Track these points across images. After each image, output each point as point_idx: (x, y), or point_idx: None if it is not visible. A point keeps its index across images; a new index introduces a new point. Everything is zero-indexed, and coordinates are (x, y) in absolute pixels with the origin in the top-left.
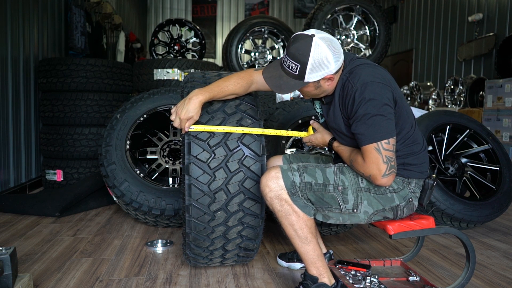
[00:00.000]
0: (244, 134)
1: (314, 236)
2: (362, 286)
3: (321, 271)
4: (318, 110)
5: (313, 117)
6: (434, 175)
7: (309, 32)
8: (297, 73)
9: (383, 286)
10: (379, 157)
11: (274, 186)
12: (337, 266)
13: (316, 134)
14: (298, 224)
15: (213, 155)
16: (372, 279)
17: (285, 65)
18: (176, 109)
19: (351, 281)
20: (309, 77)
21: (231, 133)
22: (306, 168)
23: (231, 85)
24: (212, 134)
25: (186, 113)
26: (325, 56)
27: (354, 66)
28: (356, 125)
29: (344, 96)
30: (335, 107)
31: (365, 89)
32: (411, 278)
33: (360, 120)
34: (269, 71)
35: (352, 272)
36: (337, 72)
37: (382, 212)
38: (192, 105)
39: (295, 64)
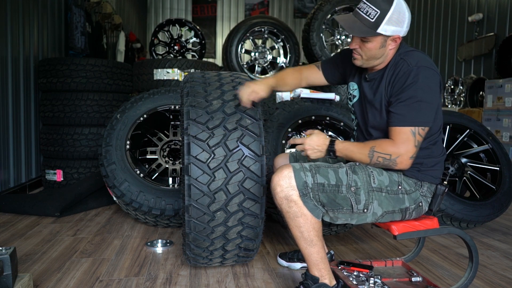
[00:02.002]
0: (243, 134)
1: (320, 239)
2: (365, 287)
3: (323, 273)
4: (351, 91)
5: (313, 117)
6: (445, 182)
7: None
8: (373, 20)
9: (386, 287)
10: (412, 140)
11: (286, 185)
12: (340, 267)
13: (312, 136)
14: (305, 227)
15: (212, 155)
16: (375, 280)
17: (362, 11)
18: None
19: (354, 282)
20: (383, 28)
21: (231, 133)
22: (319, 169)
23: (289, 77)
24: (211, 134)
25: (255, 88)
26: (404, 13)
27: (409, 50)
28: (398, 106)
29: (395, 73)
30: (381, 85)
31: (420, 72)
32: (413, 279)
33: (405, 101)
34: (342, 15)
35: (355, 273)
36: (402, 39)
37: (391, 214)
38: (260, 85)
39: (375, 11)
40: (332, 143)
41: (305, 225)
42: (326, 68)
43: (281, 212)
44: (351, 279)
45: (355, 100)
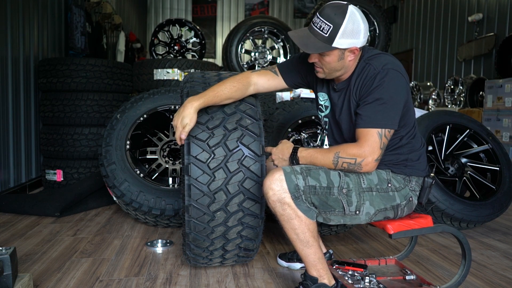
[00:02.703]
0: (243, 134)
1: (315, 240)
2: (361, 286)
3: (321, 273)
4: (322, 102)
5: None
6: (432, 174)
7: (344, 1)
8: (327, 35)
9: (382, 285)
10: (378, 142)
11: (278, 189)
12: (334, 267)
13: (278, 146)
14: (300, 228)
15: (212, 155)
16: (370, 278)
17: (316, 26)
18: (174, 118)
19: (350, 281)
20: (338, 42)
21: (231, 133)
22: (310, 171)
23: (226, 89)
24: (211, 134)
25: (181, 120)
26: (358, 25)
27: (374, 54)
28: (364, 107)
29: (362, 78)
30: (350, 93)
31: (386, 75)
32: (407, 277)
33: (372, 103)
34: (295, 31)
35: (350, 272)
36: (361, 49)
37: (383, 212)
38: (186, 112)
39: (328, 25)
40: (295, 151)
41: (300, 226)
42: (286, 72)
43: (275, 215)
44: (346, 278)
45: (327, 111)
